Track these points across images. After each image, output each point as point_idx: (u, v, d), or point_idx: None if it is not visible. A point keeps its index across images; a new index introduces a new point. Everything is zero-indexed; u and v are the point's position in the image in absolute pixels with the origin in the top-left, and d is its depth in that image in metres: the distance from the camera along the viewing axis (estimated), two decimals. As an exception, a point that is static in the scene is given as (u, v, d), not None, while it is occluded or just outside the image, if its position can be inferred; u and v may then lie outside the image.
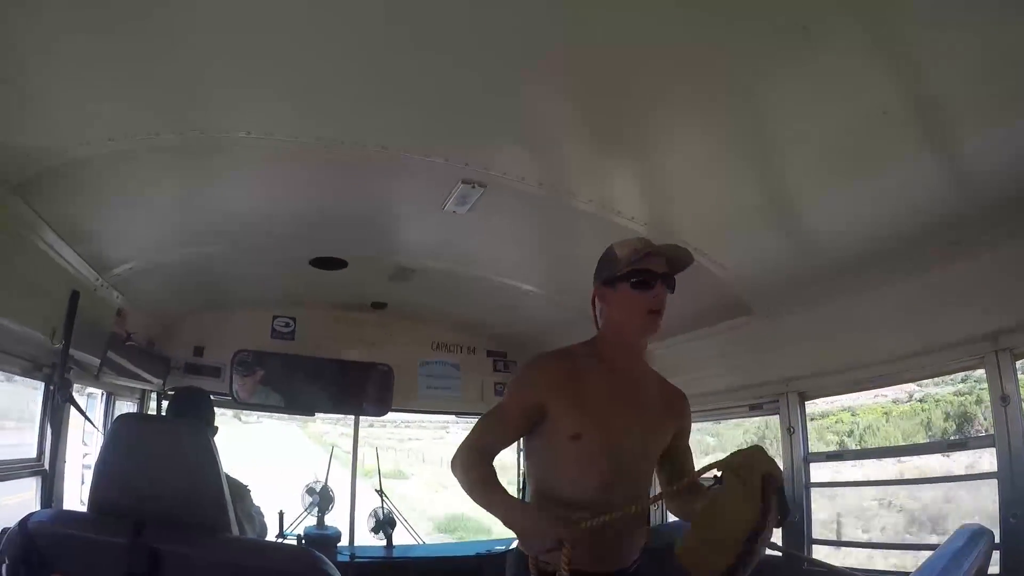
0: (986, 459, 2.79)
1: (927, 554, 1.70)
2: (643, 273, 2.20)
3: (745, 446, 1.96)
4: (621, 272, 2.21)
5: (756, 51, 1.96)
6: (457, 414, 6.32)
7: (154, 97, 2.31)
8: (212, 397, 3.97)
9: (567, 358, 2.31)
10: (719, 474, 1.91)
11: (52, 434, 3.25)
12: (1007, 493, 2.57)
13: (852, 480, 4.13)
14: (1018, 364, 2.62)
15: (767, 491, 1.80)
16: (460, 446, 2.27)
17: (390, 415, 5.99)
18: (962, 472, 3.68)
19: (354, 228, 3.81)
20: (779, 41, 1.91)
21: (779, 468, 1.90)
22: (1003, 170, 2.26)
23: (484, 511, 2.15)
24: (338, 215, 3.58)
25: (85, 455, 4.04)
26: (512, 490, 2.34)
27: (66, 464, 3.40)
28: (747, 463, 1.86)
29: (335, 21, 1.93)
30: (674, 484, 2.32)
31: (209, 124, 2.50)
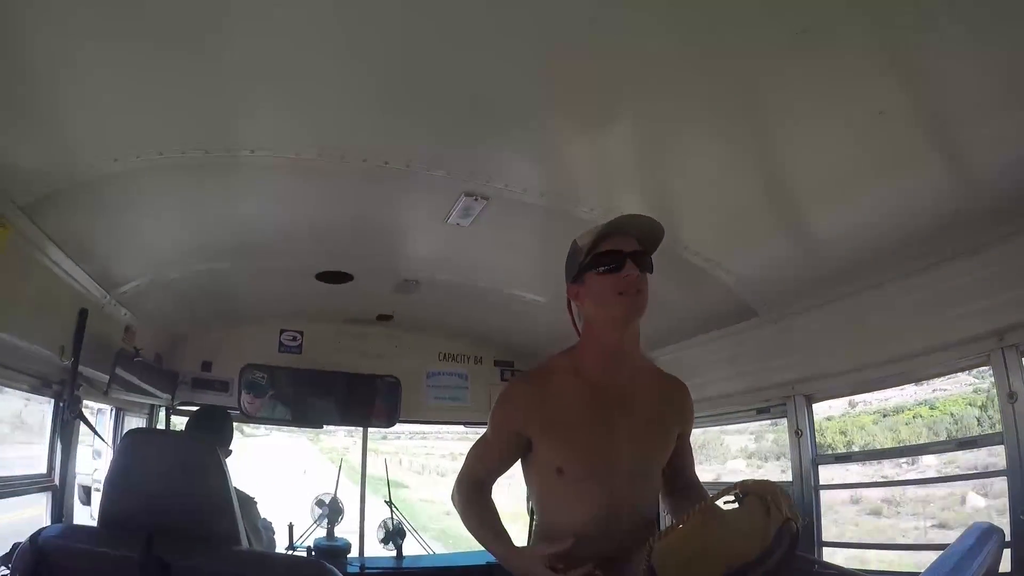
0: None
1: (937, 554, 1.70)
2: (607, 255, 2.00)
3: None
4: (584, 261, 2.03)
5: (761, 57, 1.96)
6: (465, 424, 6.31)
7: (157, 117, 2.34)
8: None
9: (544, 379, 2.16)
10: (740, 494, 1.74)
11: (62, 450, 3.27)
12: (1017, 490, 2.56)
13: (862, 481, 4.12)
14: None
15: (782, 533, 1.67)
16: (456, 479, 2.23)
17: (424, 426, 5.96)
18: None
19: (359, 242, 3.83)
20: (783, 46, 1.91)
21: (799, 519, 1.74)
22: (1007, 168, 2.26)
23: None
24: (343, 229, 3.61)
25: (95, 470, 4.06)
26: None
27: (76, 480, 3.42)
28: (777, 498, 1.70)
29: (336, 38, 1.95)
30: (671, 485, 2.25)
31: (213, 143, 2.53)
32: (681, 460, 2.30)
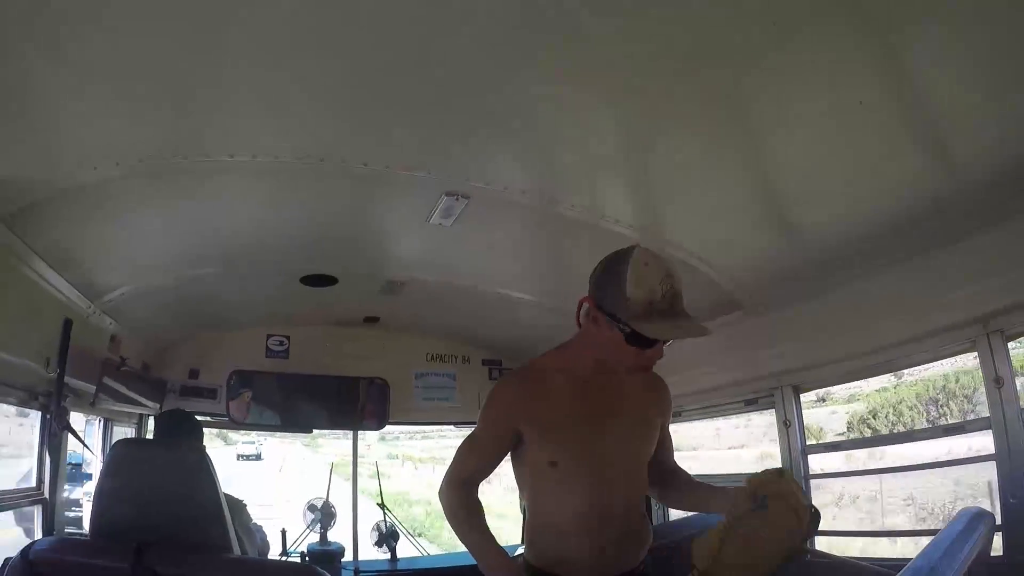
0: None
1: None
2: (648, 340, 1.98)
3: None
4: (624, 326, 1.97)
5: (739, 48, 1.97)
6: (455, 424, 6.31)
7: (135, 124, 2.32)
8: (208, 418, 3.96)
9: (535, 377, 2.22)
10: (762, 497, 1.82)
11: (51, 463, 3.24)
12: (1006, 474, 2.58)
13: (851, 469, 4.15)
14: (1010, 345, 2.64)
15: (813, 521, 1.77)
16: (444, 477, 2.26)
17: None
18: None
19: (342, 244, 3.82)
20: (761, 41, 1.92)
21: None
22: (987, 154, 2.29)
23: None
24: (326, 232, 3.59)
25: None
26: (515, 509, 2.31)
27: (66, 492, 3.40)
28: (794, 492, 1.80)
29: (313, 41, 1.94)
30: (656, 474, 2.30)
31: (192, 149, 2.50)
32: (664, 450, 2.38)
